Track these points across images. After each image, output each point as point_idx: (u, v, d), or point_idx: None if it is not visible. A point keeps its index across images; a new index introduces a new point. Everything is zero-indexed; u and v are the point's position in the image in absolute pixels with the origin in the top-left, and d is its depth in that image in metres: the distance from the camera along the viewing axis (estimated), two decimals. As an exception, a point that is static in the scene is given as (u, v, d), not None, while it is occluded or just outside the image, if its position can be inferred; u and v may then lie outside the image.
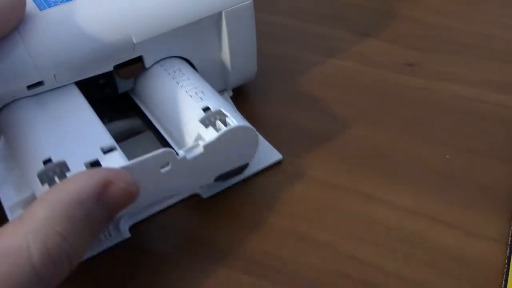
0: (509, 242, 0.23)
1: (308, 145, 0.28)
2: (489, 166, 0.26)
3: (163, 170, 0.22)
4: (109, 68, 0.25)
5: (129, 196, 0.20)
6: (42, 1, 0.24)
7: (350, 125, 0.29)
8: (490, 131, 0.28)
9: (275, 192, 0.26)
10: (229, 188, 0.26)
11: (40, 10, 0.24)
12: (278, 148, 0.27)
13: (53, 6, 0.24)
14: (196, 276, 0.23)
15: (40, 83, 0.23)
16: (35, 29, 0.23)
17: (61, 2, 0.24)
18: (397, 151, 0.27)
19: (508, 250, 0.22)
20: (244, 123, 0.24)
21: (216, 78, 0.29)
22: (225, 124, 0.23)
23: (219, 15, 0.26)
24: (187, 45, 0.26)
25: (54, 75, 0.23)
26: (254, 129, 0.24)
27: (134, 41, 0.24)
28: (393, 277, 0.22)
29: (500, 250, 0.23)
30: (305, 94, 0.31)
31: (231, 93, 0.30)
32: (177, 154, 0.22)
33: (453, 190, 0.25)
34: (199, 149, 0.22)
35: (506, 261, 0.22)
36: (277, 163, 0.27)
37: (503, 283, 0.21)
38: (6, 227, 0.17)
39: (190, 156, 0.22)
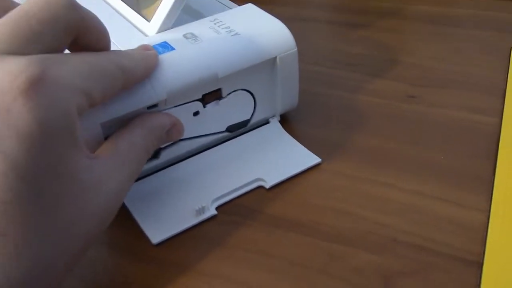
0: (489, 212, 0.32)
1: (338, 153, 0.38)
2: (473, 162, 0.36)
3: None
4: (199, 96, 0.35)
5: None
6: (156, 49, 0.34)
7: (368, 137, 0.39)
8: (472, 140, 0.38)
9: (322, 185, 0.36)
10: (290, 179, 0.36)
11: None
12: (317, 154, 0.38)
13: (162, 53, 0.34)
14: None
15: (155, 105, 0.33)
16: (160, 67, 0.33)
17: (166, 51, 0.34)
18: (405, 155, 0.37)
19: (488, 217, 0.32)
20: None
21: (269, 106, 0.39)
22: None
23: (274, 59, 0.37)
24: (252, 80, 0.37)
25: (166, 100, 0.34)
26: None
27: (219, 76, 0.35)
28: (407, 233, 0.32)
29: (482, 218, 0.32)
30: (333, 119, 0.41)
31: (279, 118, 0.40)
32: None
33: (448, 179, 0.35)
34: None
35: (487, 224, 0.32)
36: (317, 165, 0.37)
37: (485, 236, 0.31)
38: None
39: None
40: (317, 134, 0.40)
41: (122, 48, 0.35)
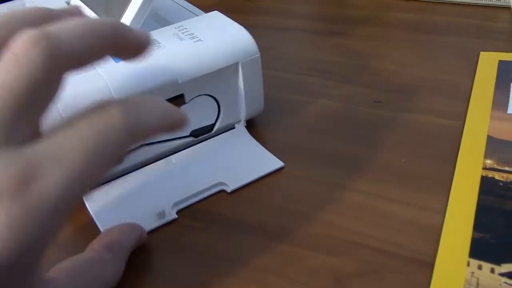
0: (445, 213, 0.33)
1: (302, 157, 0.38)
2: (433, 165, 0.37)
3: None
4: None
5: None
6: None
7: (331, 141, 0.40)
8: (435, 144, 0.39)
9: (284, 189, 0.36)
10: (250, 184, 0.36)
11: (116, 62, 0.35)
12: (281, 158, 0.38)
13: (119, 61, 0.34)
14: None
15: None
16: (116, 74, 0.34)
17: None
18: (366, 158, 0.38)
19: (443, 217, 0.32)
20: None
21: (234, 111, 0.40)
22: None
23: (237, 64, 0.37)
24: (215, 86, 0.37)
25: None
26: None
27: (179, 82, 0.35)
28: (364, 236, 0.32)
29: (438, 218, 0.33)
30: (300, 124, 0.42)
31: (244, 124, 0.41)
32: None
33: (408, 181, 0.35)
34: None
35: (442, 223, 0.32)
36: (280, 169, 0.37)
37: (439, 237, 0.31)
38: None
39: None
40: (282, 138, 0.40)
41: None
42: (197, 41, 0.36)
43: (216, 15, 0.40)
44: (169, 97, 0.36)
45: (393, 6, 0.59)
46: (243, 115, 0.40)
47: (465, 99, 0.42)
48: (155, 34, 0.37)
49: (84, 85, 0.33)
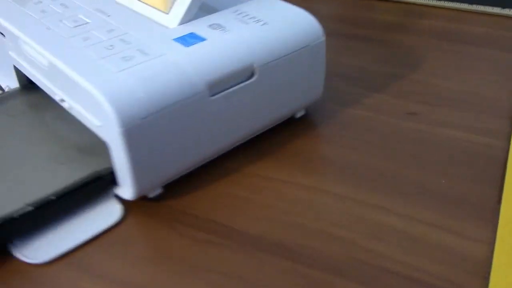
0: (494, 245, 0.29)
1: (330, 171, 0.35)
2: (477, 188, 0.33)
3: None
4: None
5: None
6: (183, 41, 0.32)
7: (363, 156, 0.36)
8: (477, 164, 0.35)
9: (314, 206, 0.32)
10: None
11: (187, 47, 0.32)
12: (311, 171, 0.34)
13: (193, 45, 0.32)
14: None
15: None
16: (195, 58, 0.31)
17: (197, 42, 0.32)
18: (401, 176, 0.34)
19: (492, 251, 0.29)
20: None
21: (297, 95, 0.37)
22: None
23: (306, 48, 0.35)
24: (283, 69, 0.35)
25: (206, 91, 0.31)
26: None
27: (254, 66, 0.33)
28: (398, 263, 0.28)
29: (483, 248, 0.29)
30: (326, 137, 0.38)
31: (303, 112, 0.39)
32: None
33: (448, 205, 0.32)
34: None
35: (491, 257, 0.28)
36: (307, 183, 0.34)
37: (487, 271, 0.27)
38: None
39: None
40: (308, 150, 0.37)
41: (144, 43, 0.33)
42: (263, 24, 0.35)
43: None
44: (242, 81, 0.33)
45: (423, 13, 0.56)
46: (305, 100, 0.38)
47: (507, 117, 0.39)
48: (215, 18, 0.35)
49: (163, 77, 0.30)
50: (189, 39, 0.33)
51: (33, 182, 0.31)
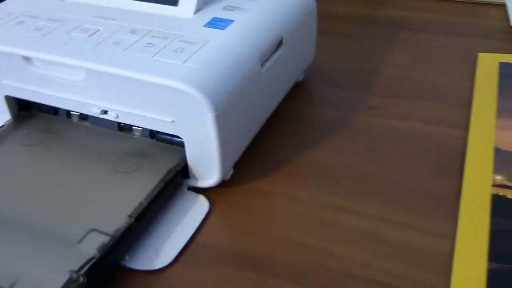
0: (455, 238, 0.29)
1: (289, 173, 0.34)
2: (438, 181, 0.33)
3: None
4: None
5: None
6: (215, 26, 0.33)
7: (321, 154, 0.35)
8: (437, 156, 0.35)
9: (274, 213, 0.32)
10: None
11: (223, 29, 0.33)
12: (263, 174, 0.34)
13: (227, 27, 0.33)
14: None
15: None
16: (239, 37, 0.33)
17: (228, 24, 0.33)
18: (362, 173, 0.34)
19: (453, 244, 0.29)
20: None
21: (306, 56, 0.41)
22: None
23: (310, 13, 0.39)
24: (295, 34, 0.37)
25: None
26: None
27: (283, 36, 0.36)
28: (363, 265, 0.28)
29: (444, 244, 0.29)
30: (288, 131, 0.38)
31: (302, 76, 0.42)
32: None
33: (410, 200, 0.32)
34: None
35: (452, 253, 0.28)
36: (266, 189, 0.33)
37: (449, 267, 0.27)
38: None
39: None
40: (265, 149, 0.36)
41: (179, 34, 0.33)
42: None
43: None
44: (275, 51, 0.35)
45: (377, 3, 0.56)
46: (307, 61, 0.42)
47: (466, 105, 0.39)
48: (224, 2, 0.36)
49: (225, 59, 0.31)
50: (219, 23, 0.34)
51: (115, 196, 0.31)
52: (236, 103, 0.31)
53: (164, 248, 0.30)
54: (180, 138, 0.32)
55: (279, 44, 0.35)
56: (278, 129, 0.38)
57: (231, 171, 0.33)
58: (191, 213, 0.32)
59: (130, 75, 0.30)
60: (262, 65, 0.33)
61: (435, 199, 0.32)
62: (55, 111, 0.36)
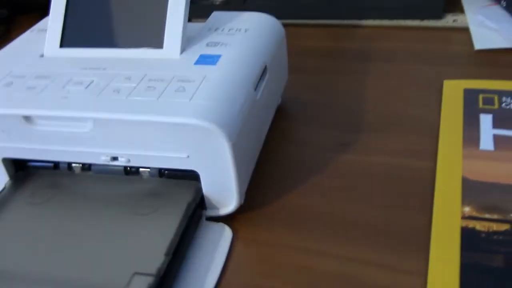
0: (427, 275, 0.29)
1: (256, 215, 0.35)
2: (409, 216, 0.33)
3: None
4: None
5: None
6: (206, 62, 0.35)
7: (292, 194, 0.36)
8: (407, 189, 0.35)
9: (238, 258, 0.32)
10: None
11: (215, 64, 0.35)
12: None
13: (218, 62, 0.35)
14: None
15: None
16: (231, 69, 0.35)
17: (217, 59, 0.35)
18: (333, 212, 0.34)
19: (425, 281, 0.29)
20: None
21: (282, 78, 0.43)
22: None
23: (282, 40, 0.42)
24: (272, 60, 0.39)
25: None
26: None
27: (267, 65, 0.38)
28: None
29: (417, 281, 0.29)
30: (259, 174, 0.38)
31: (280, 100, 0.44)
32: None
33: (382, 238, 0.32)
34: None
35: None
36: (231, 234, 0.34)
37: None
38: None
39: None
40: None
41: (174, 75, 0.34)
42: (246, 31, 0.39)
43: (221, 14, 0.41)
44: (262, 78, 0.37)
45: (340, 35, 0.56)
46: (285, 82, 0.45)
47: (434, 135, 0.40)
48: (203, 39, 0.38)
49: (226, 91, 0.33)
50: (208, 59, 0.35)
51: (144, 238, 0.31)
52: (244, 130, 0.33)
53: (205, 280, 0.31)
54: (193, 171, 0.33)
55: (264, 71, 0.38)
56: (250, 173, 0.38)
57: (244, 196, 0.34)
58: (218, 245, 0.33)
59: (142, 119, 0.31)
60: (256, 92, 0.35)
61: (407, 235, 0.32)
62: (55, 165, 0.36)
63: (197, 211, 0.33)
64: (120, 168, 0.35)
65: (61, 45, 0.38)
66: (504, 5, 0.55)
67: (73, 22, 0.38)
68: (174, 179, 0.34)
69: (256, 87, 0.36)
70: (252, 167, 0.36)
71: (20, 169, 0.37)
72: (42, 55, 0.38)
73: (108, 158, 0.34)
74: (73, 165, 0.36)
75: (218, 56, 0.36)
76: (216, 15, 0.42)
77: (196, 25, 0.39)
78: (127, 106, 0.31)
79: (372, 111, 0.44)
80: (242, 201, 0.34)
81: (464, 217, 0.32)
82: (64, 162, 0.36)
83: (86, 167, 0.35)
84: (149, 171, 0.35)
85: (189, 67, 0.35)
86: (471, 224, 0.31)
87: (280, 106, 0.44)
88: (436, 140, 0.39)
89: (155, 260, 0.29)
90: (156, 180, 0.35)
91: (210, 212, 0.34)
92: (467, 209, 0.32)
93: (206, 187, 0.33)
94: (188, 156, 0.32)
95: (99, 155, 0.34)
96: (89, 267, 0.30)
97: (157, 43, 0.36)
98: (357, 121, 0.43)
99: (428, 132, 0.40)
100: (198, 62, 0.35)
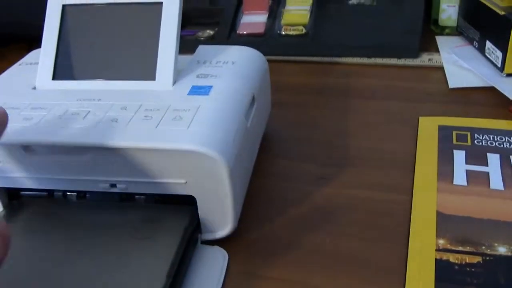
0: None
1: (240, 247, 0.35)
2: (385, 248, 0.34)
3: None
4: None
5: None
6: (199, 93, 0.36)
7: (273, 230, 0.37)
8: (385, 223, 0.36)
9: None
10: None
11: (208, 95, 0.36)
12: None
13: (210, 92, 0.36)
14: None
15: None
16: (224, 98, 0.36)
17: (209, 90, 0.36)
18: (312, 246, 0.35)
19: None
20: None
21: (267, 108, 0.45)
22: None
23: (266, 73, 0.44)
24: (262, 93, 0.42)
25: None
26: None
27: (255, 96, 0.40)
28: None
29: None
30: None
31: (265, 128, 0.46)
32: None
33: (360, 270, 0.33)
34: None
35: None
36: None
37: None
38: None
39: None
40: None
41: (168, 105, 0.35)
42: (233, 64, 0.40)
43: (206, 48, 0.43)
44: (251, 107, 0.39)
45: (320, 71, 0.58)
46: (269, 112, 0.47)
47: (410, 169, 0.41)
48: (193, 70, 0.39)
49: (220, 119, 0.34)
50: (200, 90, 0.37)
51: (144, 262, 0.31)
52: (238, 156, 0.34)
53: None
54: (190, 196, 0.34)
55: (253, 101, 0.39)
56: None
57: (237, 220, 0.35)
58: (215, 267, 0.34)
59: (144, 146, 0.32)
60: (246, 120, 0.37)
61: (383, 268, 0.33)
62: (49, 194, 0.36)
63: (194, 235, 0.34)
64: (116, 194, 0.35)
65: (54, 78, 0.39)
66: (477, 46, 0.57)
67: (65, 54, 0.39)
68: (169, 204, 0.35)
69: (245, 116, 0.37)
70: (244, 192, 0.37)
71: (14, 198, 0.37)
72: (34, 88, 0.39)
73: (107, 185, 0.34)
74: (68, 193, 0.36)
75: (210, 87, 0.37)
76: (202, 48, 0.43)
77: (184, 58, 0.40)
78: (127, 134, 0.32)
79: (350, 146, 0.45)
80: (236, 225, 0.35)
81: (438, 249, 0.33)
82: (59, 190, 0.36)
83: (82, 195, 0.36)
84: (144, 198, 0.35)
85: (183, 97, 0.36)
86: (445, 256, 0.32)
87: (262, 141, 0.46)
88: (412, 174, 0.40)
89: (157, 282, 0.29)
90: (151, 206, 0.35)
91: (206, 236, 0.35)
92: (441, 241, 0.33)
93: (202, 211, 0.34)
94: (186, 182, 0.33)
95: (97, 183, 0.34)
96: None
97: (150, 75, 0.38)
98: (336, 155, 0.44)
99: (404, 166, 0.42)
100: (191, 92, 0.36)
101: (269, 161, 0.44)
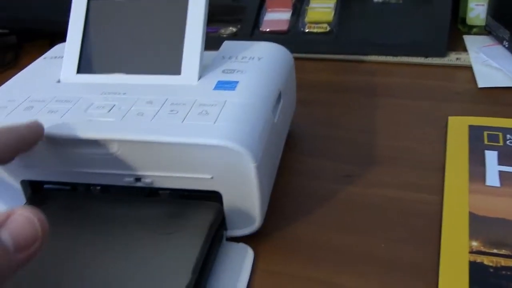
0: (434, 308, 0.29)
1: (264, 245, 0.34)
2: (416, 249, 0.33)
3: None
4: None
5: None
6: (224, 88, 0.36)
7: (299, 226, 0.36)
8: (414, 223, 0.35)
9: None
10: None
11: (234, 90, 0.35)
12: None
13: (236, 87, 0.36)
14: None
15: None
16: (250, 93, 0.36)
17: (235, 85, 0.36)
18: (340, 245, 0.34)
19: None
20: None
21: (292, 104, 0.44)
22: None
23: (292, 67, 0.43)
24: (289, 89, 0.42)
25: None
26: None
27: (281, 91, 0.39)
28: None
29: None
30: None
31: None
32: None
33: (390, 271, 0.32)
34: None
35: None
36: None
37: None
38: None
39: None
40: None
41: (194, 99, 0.35)
42: (259, 59, 0.39)
43: (232, 43, 0.42)
44: (277, 103, 0.38)
45: (344, 69, 0.57)
46: (294, 109, 0.45)
47: (439, 169, 0.40)
48: (219, 65, 0.39)
49: (247, 114, 0.34)
50: (227, 85, 0.36)
51: (169, 257, 0.31)
52: (265, 152, 0.33)
53: None
54: (215, 192, 0.33)
55: (279, 96, 0.38)
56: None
57: (264, 216, 0.34)
58: (241, 264, 0.33)
59: (170, 141, 0.31)
60: (273, 116, 0.36)
61: (414, 270, 0.32)
62: (72, 187, 0.36)
63: (219, 231, 0.33)
64: (140, 189, 0.35)
65: (78, 71, 0.39)
66: (507, 45, 0.56)
67: (90, 48, 0.39)
68: (193, 200, 0.34)
69: (273, 112, 0.36)
70: (271, 189, 0.36)
71: (37, 191, 0.37)
72: (59, 81, 0.39)
73: (132, 179, 0.34)
74: (92, 187, 0.36)
75: (236, 82, 0.36)
76: (228, 44, 0.43)
77: (209, 54, 0.40)
78: (153, 128, 0.32)
79: (377, 144, 0.44)
80: (262, 222, 0.34)
81: (472, 252, 0.32)
82: (83, 184, 0.36)
83: (105, 188, 0.35)
84: (168, 193, 0.35)
85: (209, 92, 0.35)
86: (479, 258, 0.31)
87: (287, 138, 0.45)
88: (442, 174, 0.39)
89: (182, 278, 0.29)
90: (176, 201, 0.35)
91: (231, 233, 0.35)
92: (474, 243, 0.32)
93: (228, 207, 0.34)
94: (212, 177, 0.32)
95: (122, 177, 0.34)
96: None
97: (175, 69, 0.37)
98: (362, 154, 0.43)
99: (434, 166, 0.40)
100: (217, 87, 0.36)
101: (295, 159, 0.43)
